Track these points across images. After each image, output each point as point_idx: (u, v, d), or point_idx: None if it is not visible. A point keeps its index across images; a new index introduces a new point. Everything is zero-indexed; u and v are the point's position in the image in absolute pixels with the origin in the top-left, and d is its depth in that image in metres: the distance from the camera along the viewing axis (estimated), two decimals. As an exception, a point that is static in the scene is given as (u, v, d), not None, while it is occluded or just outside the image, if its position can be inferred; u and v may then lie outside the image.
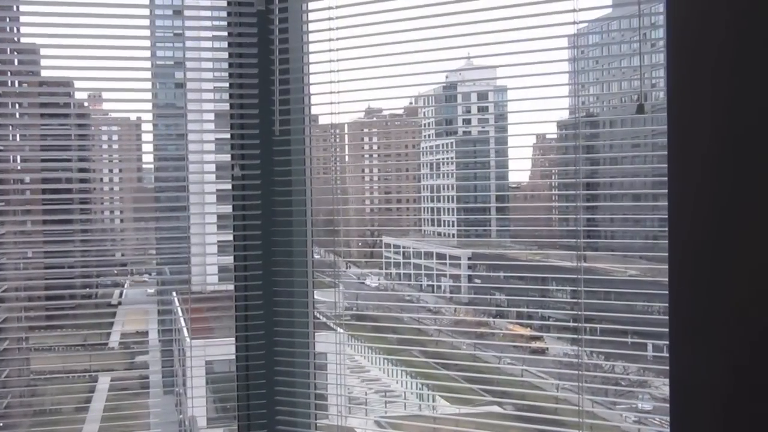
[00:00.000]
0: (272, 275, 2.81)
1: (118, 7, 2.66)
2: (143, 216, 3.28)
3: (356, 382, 3.20)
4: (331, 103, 2.74)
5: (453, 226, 3.73)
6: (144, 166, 3.31)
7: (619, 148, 2.59)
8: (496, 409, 3.05)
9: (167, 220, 3.07)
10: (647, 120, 2.62)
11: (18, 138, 3.02)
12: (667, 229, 1.57)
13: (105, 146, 3.32)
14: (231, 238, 2.83)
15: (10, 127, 2.93)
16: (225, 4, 2.81)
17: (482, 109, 3.35)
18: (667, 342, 1.59)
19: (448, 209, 3.69)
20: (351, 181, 3.11)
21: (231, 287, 2.84)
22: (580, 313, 2.34)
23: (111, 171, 3.38)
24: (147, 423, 2.91)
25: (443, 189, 3.70)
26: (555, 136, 3.15)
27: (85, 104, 3.28)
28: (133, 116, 3.17)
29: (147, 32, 2.95)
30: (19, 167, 3.11)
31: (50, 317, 3.13)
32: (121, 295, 3.41)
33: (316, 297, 2.88)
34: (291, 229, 2.83)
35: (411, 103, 3.48)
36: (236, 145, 2.83)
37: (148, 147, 3.16)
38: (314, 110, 2.84)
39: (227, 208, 2.84)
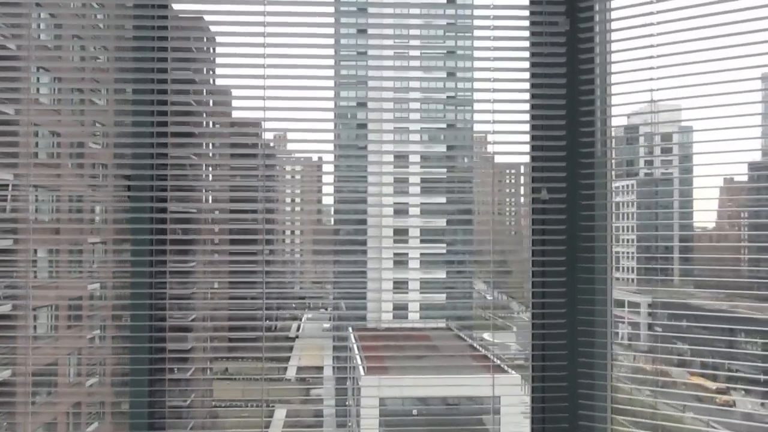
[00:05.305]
0: (574, 303, 2.70)
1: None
2: (333, 248, 3.35)
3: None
4: (651, 122, 2.67)
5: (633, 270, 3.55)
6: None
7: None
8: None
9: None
10: None
11: (211, 173, 3.18)
12: None
13: (291, 178, 3.43)
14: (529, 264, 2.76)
15: (204, 165, 3.10)
16: (528, 23, 2.78)
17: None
18: None
19: (628, 253, 3.52)
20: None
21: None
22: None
23: (293, 204, 3.48)
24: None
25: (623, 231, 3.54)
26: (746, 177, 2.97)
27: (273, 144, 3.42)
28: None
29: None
30: (210, 202, 3.27)
31: (233, 345, 3.25)
32: (298, 329, 3.49)
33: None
34: (593, 255, 2.71)
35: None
36: (538, 168, 2.77)
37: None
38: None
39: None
